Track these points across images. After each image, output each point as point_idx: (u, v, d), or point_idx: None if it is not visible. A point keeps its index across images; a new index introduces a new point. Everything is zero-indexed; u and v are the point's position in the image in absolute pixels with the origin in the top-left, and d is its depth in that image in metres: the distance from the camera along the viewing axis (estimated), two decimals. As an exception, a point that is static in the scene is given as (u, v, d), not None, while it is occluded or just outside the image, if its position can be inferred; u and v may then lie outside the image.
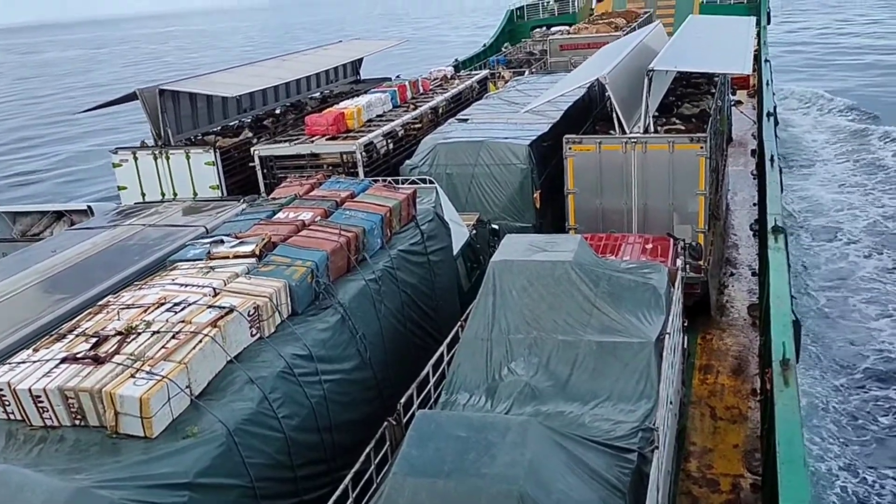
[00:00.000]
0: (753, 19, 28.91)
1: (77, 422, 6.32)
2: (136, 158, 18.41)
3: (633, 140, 14.82)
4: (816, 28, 79.99)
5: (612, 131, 15.57)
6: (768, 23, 41.37)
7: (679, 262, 11.59)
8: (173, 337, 6.86)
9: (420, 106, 21.25)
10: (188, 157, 18.09)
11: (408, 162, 16.86)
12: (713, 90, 20.11)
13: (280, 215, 10.02)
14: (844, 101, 41.63)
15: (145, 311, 7.41)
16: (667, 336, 8.58)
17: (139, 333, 6.97)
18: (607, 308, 8.65)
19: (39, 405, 6.31)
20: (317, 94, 26.55)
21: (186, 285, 7.95)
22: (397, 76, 27.27)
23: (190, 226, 11.14)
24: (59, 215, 15.63)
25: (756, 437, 11.71)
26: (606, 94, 16.15)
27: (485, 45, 43.98)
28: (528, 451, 6.34)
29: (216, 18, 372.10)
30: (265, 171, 17.62)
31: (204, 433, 6.35)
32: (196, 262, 8.69)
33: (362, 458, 7.21)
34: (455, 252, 12.13)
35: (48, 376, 6.41)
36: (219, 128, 21.50)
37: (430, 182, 14.13)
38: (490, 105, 20.98)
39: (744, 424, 12.25)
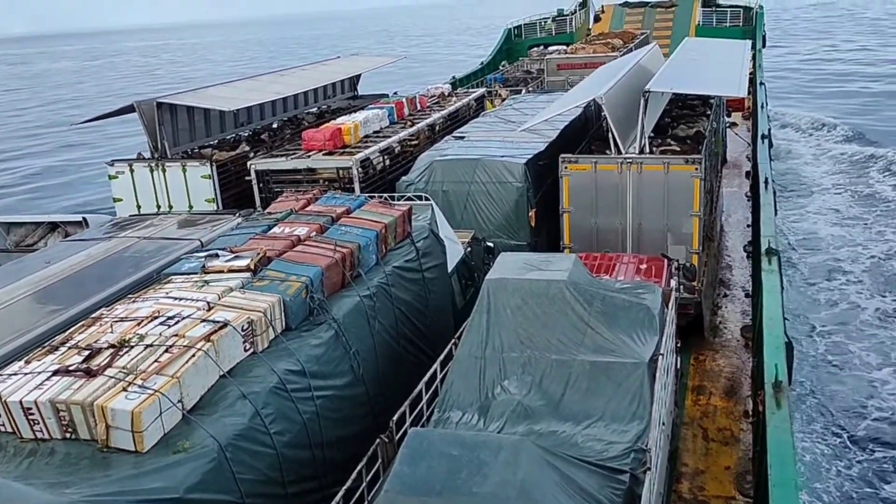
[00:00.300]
0: (749, 42, 29.16)
1: (68, 435, 6.29)
2: (132, 171, 18.42)
3: (628, 160, 14.90)
4: (804, 53, 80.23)
5: (607, 151, 15.66)
6: (763, 46, 41.75)
7: (673, 283, 11.61)
8: (166, 351, 6.84)
9: (417, 123, 21.34)
10: (184, 170, 18.11)
11: (404, 178, 16.90)
12: (708, 112, 20.24)
13: (276, 230, 10.04)
14: (843, 127, 41.40)
15: (138, 324, 7.39)
16: (660, 357, 8.58)
17: (132, 347, 6.95)
18: (601, 328, 8.65)
19: (30, 417, 6.28)
20: (314, 109, 26.64)
21: (180, 299, 7.94)
22: (395, 93, 27.41)
23: (185, 239, 11.11)
24: (53, 226, 15.61)
25: (748, 459, 11.70)
26: (603, 114, 16.26)
27: (482, 63, 44.27)
28: (521, 471, 6.33)
29: (213, 32, 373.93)
30: (261, 185, 17.65)
31: (195, 448, 6.32)
32: (190, 276, 8.69)
33: (354, 475, 7.18)
34: (450, 269, 12.16)
35: (40, 388, 6.38)
36: (216, 141, 21.53)
37: (426, 199, 14.16)
38: (487, 123, 21.08)
39: (736, 446, 12.24)
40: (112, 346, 6.99)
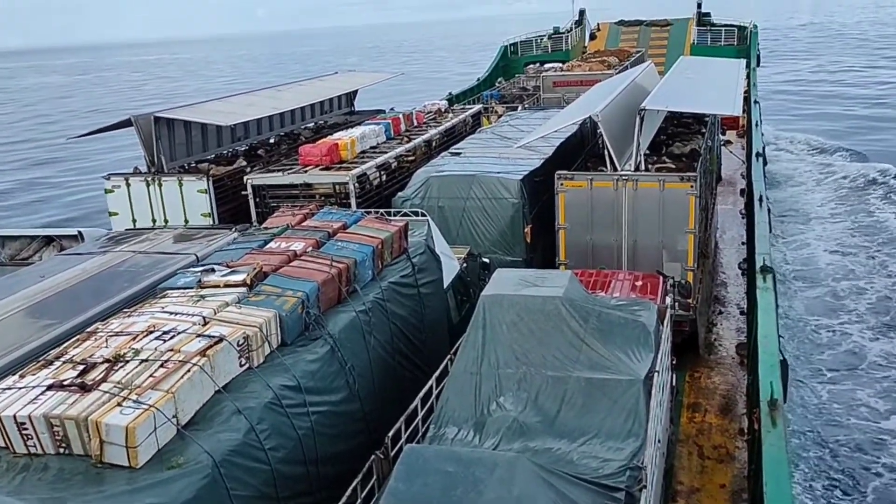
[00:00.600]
0: (743, 61, 29.38)
1: (61, 450, 6.25)
2: (128, 185, 18.43)
3: (624, 177, 14.97)
4: (792, 72, 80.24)
5: (603, 168, 15.72)
6: (757, 65, 42.05)
7: (668, 300, 11.64)
8: (161, 365, 6.82)
9: (414, 138, 21.41)
10: (181, 185, 18.13)
11: (400, 194, 16.95)
12: (703, 130, 20.35)
13: (272, 245, 10.03)
14: (841, 150, 40.94)
15: (134, 338, 7.37)
16: (655, 374, 8.59)
17: (127, 361, 6.92)
18: (596, 344, 8.67)
19: (24, 432, 6.25)
20: (311, 125, 26.72)
21: (176, 313, 7.92)
22: (391, 108, 27.50)
23: (181, 253, 11.09)
24: (48, 240, 15.56)
25: (743, 477, 11.68)
26: (598, 131, 16.35)
27: (478, 80, 44.49)
28: (516, 488, 6.32)
29: (206, 47, 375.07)
30: (258, 200, 17.67)
31: (189, 464, 6.29)
32: (186, 291, 8.66)
33: (349, 491, 7.16)
34: (445, 285, 12.16)
35: (34, 403, 6.35)
36: (212, 156, 21.57)
37: (423, 214, 14.20)
38: (483, 139, 21.17)
39: (731, 464, 12.22)
40: (107, 360, 6.96)
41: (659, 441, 8.88)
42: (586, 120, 18.86)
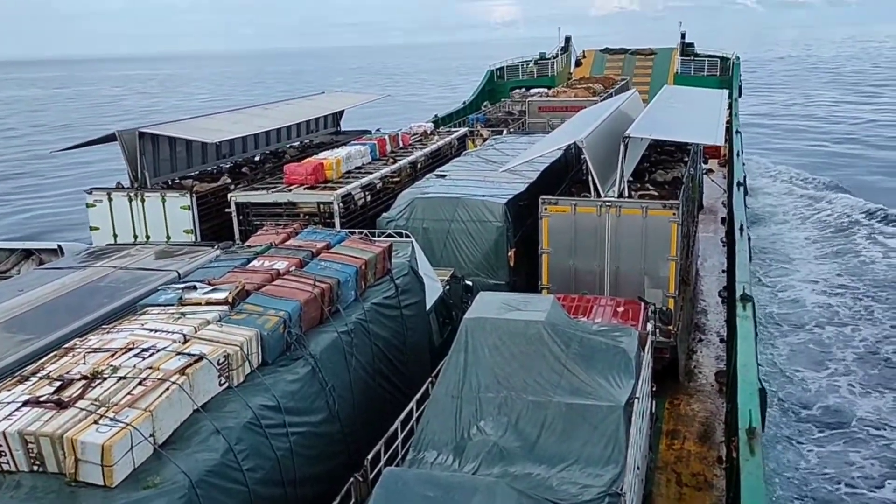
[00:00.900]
0: (726, 92, 29.80)
1: (35, 467, 6.15)
2: (110, 199, 18.33)
3: (607, 204, 15.08)
4: (768, 104, 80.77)
5: (587, 194, 15.83)
6: (739, 96, 42.64)
7: (649, 327, 11.70)
8: (140, 383, 6.75)
9: (399, 160, 21.48)
10: (164, 201, 18.05)
11: (385, 215, 16.96)
12: (686, 158, 20.58)
13: (255, 263, 10.00)
14: (826, 185, 40.89)
15: (112, 355, 7.29)
16: (636, 400, 8.61)
17: (105, 378, 6.85)
18: (578, 370, 8.68)
19: (-3, 449, 6.15)
20: (296, 144, 26.75)
21: (156, 331, 7.86)
22: (377, 129, 27.61)
23: (162, 270, 11.01)
24: (27, 253, 15.39)
25: (721, 505, 11.69)
26: (583, 157, 16.47)
27: (464, 103, 44.79)
28: (495, 513, 6.28)
29: (191, 63, 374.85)
30: (241, 217, 17.61)
31: (165, 484, 6.20)
32: (167, 308, 8.61)
33: (327, 514, 7.09)
34: (428, 307, 12.15)
35: (8, 419, 6.25)
36: (197, 172, 21.51)
37: (407, 236, 14.21)
38: (468, 162, 21.27)
39: (709, 492, 12.23)
40: (84, 377, 6.88)
41: (638, 468, 8.88)
42: (571, 146, 19.02)
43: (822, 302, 24.34)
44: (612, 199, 15.29)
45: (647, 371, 10.18)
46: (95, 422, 6.18)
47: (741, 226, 17.87)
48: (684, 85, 36.68)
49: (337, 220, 16.92)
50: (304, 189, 17.91)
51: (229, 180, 20.61)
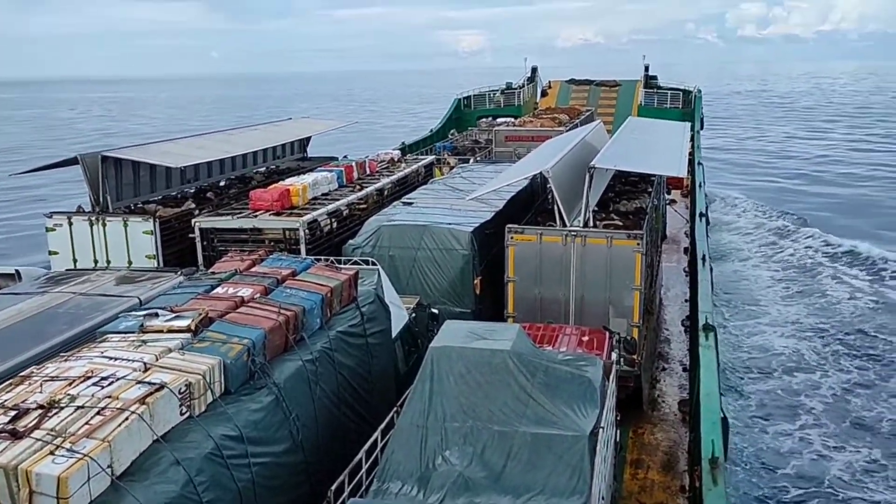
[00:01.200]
0: (688, 124, 30.38)
1: (-14, 500, 5.97)
2: (70, 223, 18.02)
3: (573, 233, 15.22)
4: (722, 137, 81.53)
5: (552, 223, 15.97)
6: (701, 128, 43.52)
7: (614, 356, 11.77)
8: (98, 413, 6.60)
9: (366, 187, 21.50)
10: (126, 225, 17.80)
11: (351, 242, 16.92)
12: (650, 189, 20.89)
13: (219, 290, 9.88)
14: (780, 215, 41.30)
15: (70, 384, 7.13)
16: (601, 430, 8.64)
17: (62, 408, 6.68)
18: (543, 399, 8.69)
19: (-53, 481, 5.95)
20: (262, 169, 26.63)
21: (116, 359, 7.70)
22: (345, 156, 27.61)
23: (123, 296, 10.83)
24: (-17, 278, 15.07)
25: (685, 534, 11.70)
26: (548, 186, 16.64)
27: (431, 131, 45.06)
28: (460, 545, 6.23)
29: (156, 87, 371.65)
30: (205, 243, 17.44)
31: (122, 517, 6.06)
32: (128, 335, 8.45)
33: (288, 547, 6.96)
34: (394, 335, 12.10)
35: (-40, 450, 6.07)
36: (160, 197, 21.28)
37: (373, 263, 14.17)
38: (435, 190, 21.35)
39: (673, 522, 12.25)
40: (41, 406, 6.71)
41: (603, 498, 8.88)
42: (537, 175, 19.21)
43: (791, 345, 23.92)
44: (578, 228, 15.44)
45: (612, 400, 10.23)
46: (52, 452, 6.03)
47: (703, 256, 18.13)
48: (648, 117, 37.34)
49: (303, 247, 16.84)
50: (270, 215, 17.81)
51: (193, 205, 20.41)
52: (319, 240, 17.77)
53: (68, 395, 6.89)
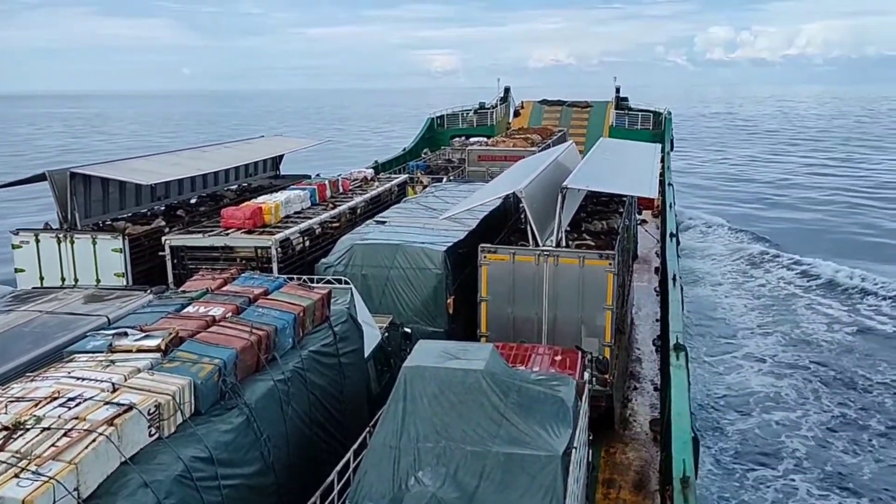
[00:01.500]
0: (659, 146, 30.79)
1: (-52, 525, 5.82)
2: (37, 240, 17.75)
3: (545, 253, 15.30)
4: (688, 158, 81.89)
5: (525, 243, 16.05)
6: (671, 149, 44.11)
7: (587, 375, 11.81)
8: (65, 434, 6.49)
9: (339, 205, 21.45)
10: (94, 243, 17.57)
11: (323, 261, 16.84)
12: (621, 209, 21.10)
13: (189, 309, 9.77)
14: (750, 236, 41.51)
15: (36, 405, 7.00)
16: (573, 450, 8.65)
17: (27, 429, 6.57)
18: (516, 419, 8.68)
19: None
20: (234, 187, 26.47)
21: (83, 379, 7.58)
22: (317, 174, 27.55)
23: (91, 315, 10.68)
24: (-53, 296, 14.75)
25: (657, 554, 11.71)
26: (521, 206, 16.73)
27: (405, 150, 45.13)
28: (433, 568, 6.18)
29: (124, 102, 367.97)
30: (176, 261, 17.24)
31: (89, 541, 5.94)
32: (96, 355, 8.32)
33: (258, 571, 6.86)
34: (367, 355, 12.04)
35: (-80, 473, 5.92)
36: (130, 214, 21.04)
37: (346, 282, 14.12)
38: (408, 209, 21.35)
39: (645, 541, 12.26)
40: (5, 428, 6.58)
41: (576, 518, 8.88)
42: (510, 195, 19.30)
43: (768, 381, 23.30)
44: (550, 248, 15.53)
45: (585, 420, 10.25)
46: (16, 475, 5.92)
47: (674, 276, 18.32)
48: (619, 137, 37.78)
49: (275, 266, 16.73)
50: (242, 233, 17.68)
51: (164, 223, 20.22)
52: (292, 258, 17.66)
53: (34, 416, 6.77)
